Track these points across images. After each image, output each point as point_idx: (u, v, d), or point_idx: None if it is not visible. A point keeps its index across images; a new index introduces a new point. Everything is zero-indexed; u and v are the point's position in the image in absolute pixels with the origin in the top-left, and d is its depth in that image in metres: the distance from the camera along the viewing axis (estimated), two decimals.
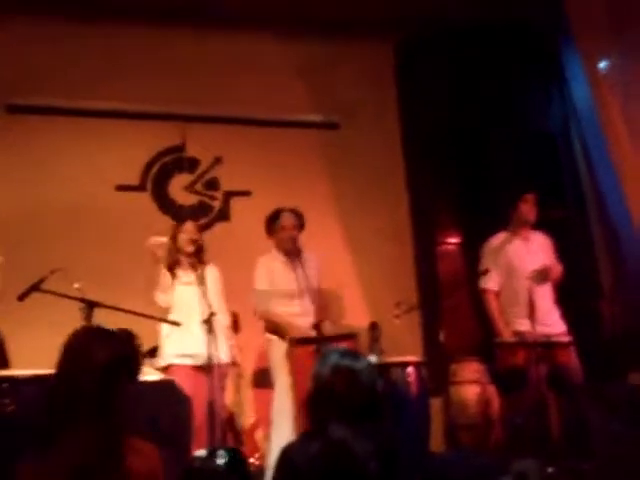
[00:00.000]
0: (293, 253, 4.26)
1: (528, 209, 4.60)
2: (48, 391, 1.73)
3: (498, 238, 4.65)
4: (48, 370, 3.74)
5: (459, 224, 5.90)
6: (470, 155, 5.76)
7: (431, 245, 5.95)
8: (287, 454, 1.96)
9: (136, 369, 1.76)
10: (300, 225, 4.37)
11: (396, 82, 6.09)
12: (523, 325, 4.35)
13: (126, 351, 1.75)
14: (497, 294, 4.59)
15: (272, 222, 4.35)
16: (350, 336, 4.06)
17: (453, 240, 6.00)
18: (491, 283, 4.58)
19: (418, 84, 5.90)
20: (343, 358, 2.05)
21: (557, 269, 4.61)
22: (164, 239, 4.19)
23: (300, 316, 4.19)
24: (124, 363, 1.74)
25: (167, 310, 4.16)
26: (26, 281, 3.59)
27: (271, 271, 4.28)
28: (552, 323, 4.47)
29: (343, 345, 4.11)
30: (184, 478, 1.81)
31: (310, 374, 2.05)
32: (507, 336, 4.45)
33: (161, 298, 4.15)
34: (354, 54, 5.96)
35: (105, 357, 1.70)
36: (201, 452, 2.24)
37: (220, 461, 1.83)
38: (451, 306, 5.53)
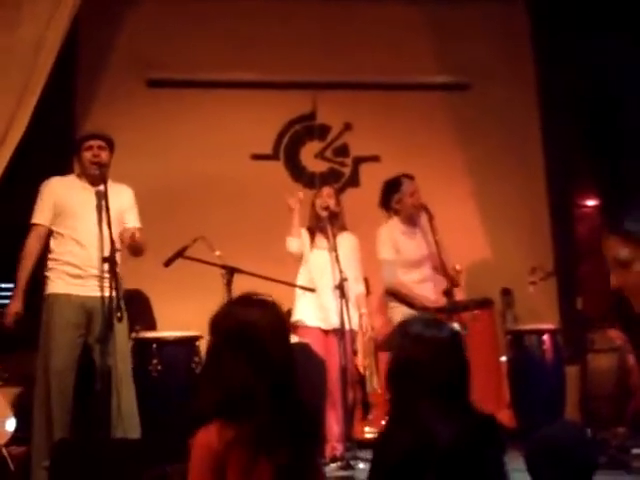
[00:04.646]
0: (412, 220, 4.25)
1: None
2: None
3: None
4: (191, 332, 4.02)
5: (598, 186, 5.63)
6: (611, 115, 5.44)
7: (568, 208, 5.73)
8: (381, 446, 1.79)
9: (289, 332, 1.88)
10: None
11: (532, 40, 5.83)
12: None
13: (281, 316, 1.83)
14: None
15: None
16: (485, 303, 3.93)
17: (591, 203, 5.75)
18: None
19: (556, 41, 5.61)
20: (427, 328, 1.83)
21: None
22: (300, 193, 4.28)
23: (419, 283, 4.20)
24: (285, 327, 1.84)
25: (299, 257, 4.20)
26: (170, 248, 3.83)
27: (395, 240, 4.27)
28: None
29: (478, 313, 4.03)
30: None
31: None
32: None
33: (292, 243, 4.18)
34: (483, 11, 5.76)
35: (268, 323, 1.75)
36: None
37: None
38: (589, 272, 5.31)
